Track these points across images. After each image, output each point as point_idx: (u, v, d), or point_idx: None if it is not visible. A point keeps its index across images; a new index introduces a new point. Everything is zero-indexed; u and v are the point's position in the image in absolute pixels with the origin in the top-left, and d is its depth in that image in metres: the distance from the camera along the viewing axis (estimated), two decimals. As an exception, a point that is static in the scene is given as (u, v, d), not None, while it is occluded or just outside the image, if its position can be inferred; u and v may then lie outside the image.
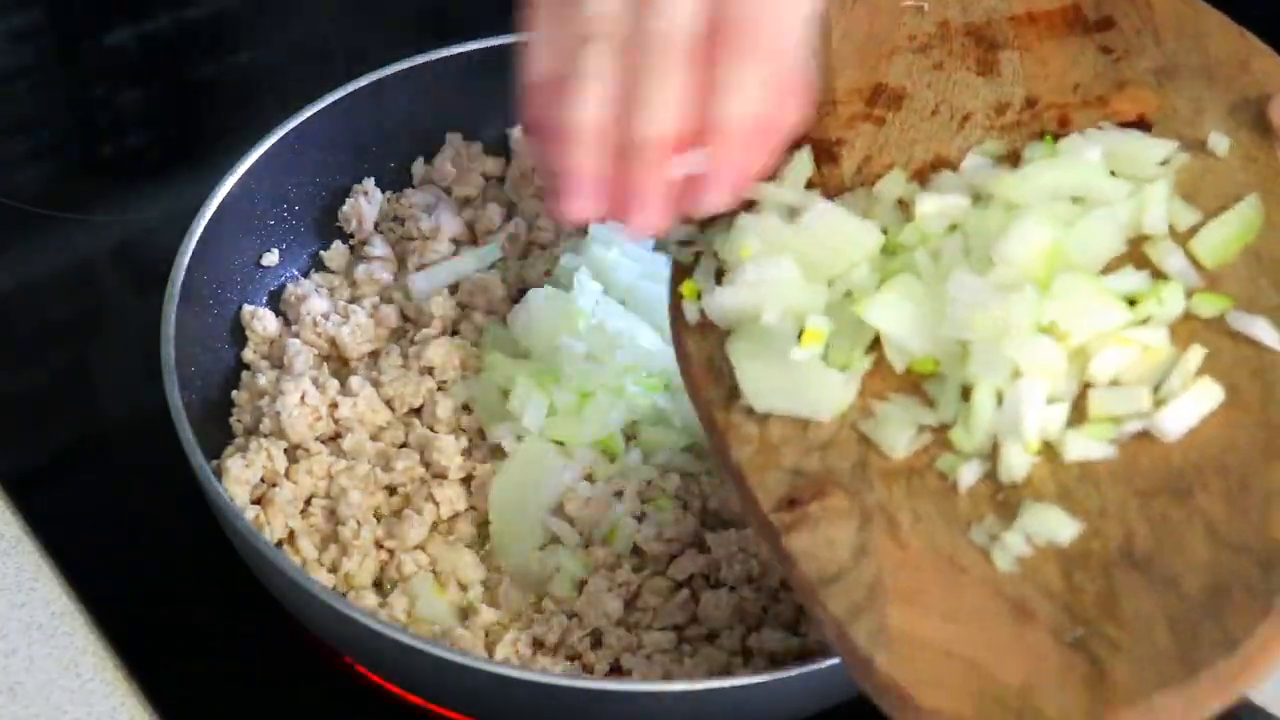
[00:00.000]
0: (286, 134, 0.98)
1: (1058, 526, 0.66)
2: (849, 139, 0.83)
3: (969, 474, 0.69)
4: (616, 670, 0.83)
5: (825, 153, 0.83)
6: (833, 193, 0.81)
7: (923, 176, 0.80)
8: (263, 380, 0.94)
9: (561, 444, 0.90)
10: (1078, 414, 0.70)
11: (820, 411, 0.73)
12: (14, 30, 1.26)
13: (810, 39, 0.76)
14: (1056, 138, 0.80)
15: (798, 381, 0.73)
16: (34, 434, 1.00)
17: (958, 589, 0.66)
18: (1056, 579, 0.65)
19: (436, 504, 0.88)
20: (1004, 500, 0.68)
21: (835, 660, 0.70)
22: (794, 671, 0.75)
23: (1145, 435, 0.68)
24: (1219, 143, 0.77)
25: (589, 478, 0.89)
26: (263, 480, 0.89)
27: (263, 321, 0.97)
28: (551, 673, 0.80)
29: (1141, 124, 0.79)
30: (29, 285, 1.08)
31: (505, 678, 0.75)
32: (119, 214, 1.12)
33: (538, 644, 0.83)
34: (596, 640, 0.84)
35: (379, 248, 1.02)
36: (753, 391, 0.74)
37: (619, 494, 0.88)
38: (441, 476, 0.89)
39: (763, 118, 0.73)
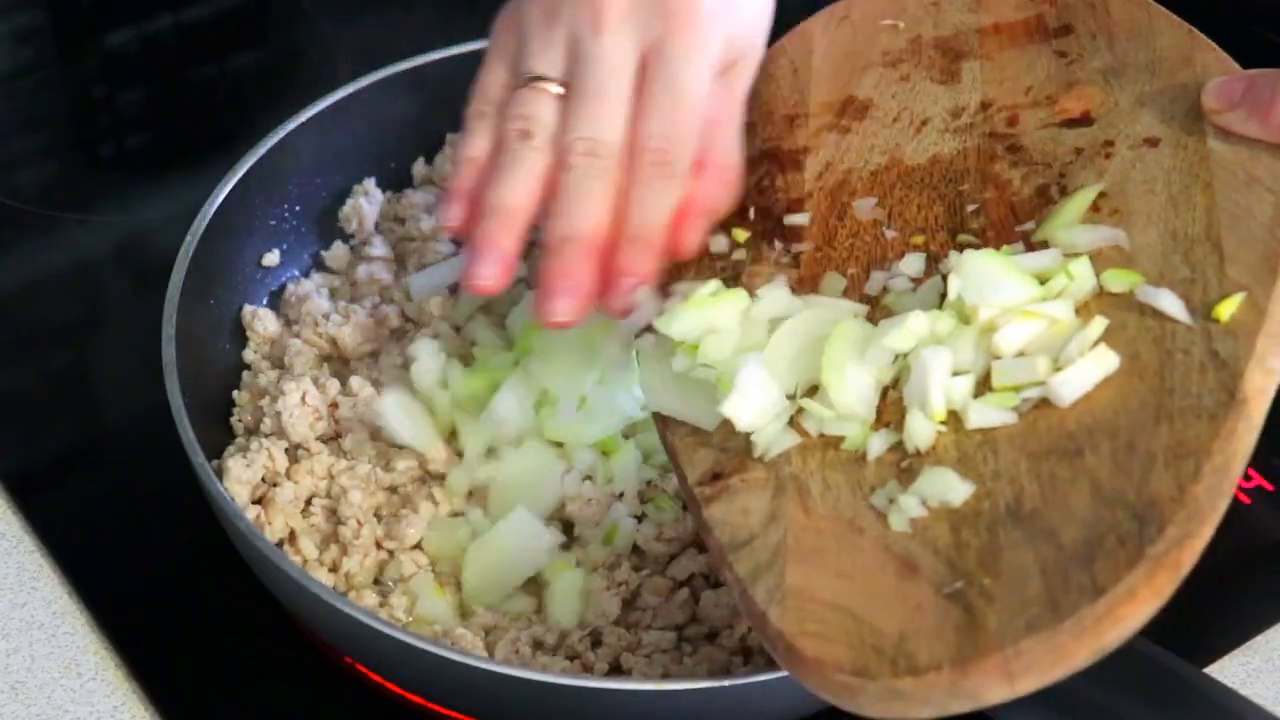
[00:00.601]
0: (287, 134, 0.98)
1: (951, 488, 0.68)
2: (814, 147, 0.86)
3: (877, 443, 0.72)
4: (616, 670, 0.83)
5: (791, 161, 0.86)
6: (793, 200, 0.83)
7: (877, 179, 0.83)
8: (263, 380, 0.94)
9: (561, 444, 0.90)
10: (986, 384, 0.72)
11: (703, 422, 0.76)
12: (15, 30, 1.26)
13: (740, 123, 0.84)
14: (1006, 140, 0.82)
15: (684, 390, 0.77)
16: (34, 434, 1.00)
17: (853, 549, 0.68)
18: (945, 536, 0.67)
19: (436, 504, 0.88)
20: (908, 467, 0.71)
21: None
22: (794, 671, 0.75)
23: (1046, 402, 0.70)
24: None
25: (589, 478, 0.89)
26: (263, 480, 0.89)
27: (263, 321, 0.97)
28: (551, 672, 0.80)
29: (1085, 119, 0.81)
30: (29, 285, 1.09)
31: (505, 677, 0.75)
32: (119, 214, 1.12)
33: (538, 644, 0.83)
34: (596, 640, 0.84)
35: (379, 248, 1.02)
36: (647, 389, 0.77)
37: (619, 494, 0.88)
38: (441, 476, 0.89)
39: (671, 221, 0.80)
